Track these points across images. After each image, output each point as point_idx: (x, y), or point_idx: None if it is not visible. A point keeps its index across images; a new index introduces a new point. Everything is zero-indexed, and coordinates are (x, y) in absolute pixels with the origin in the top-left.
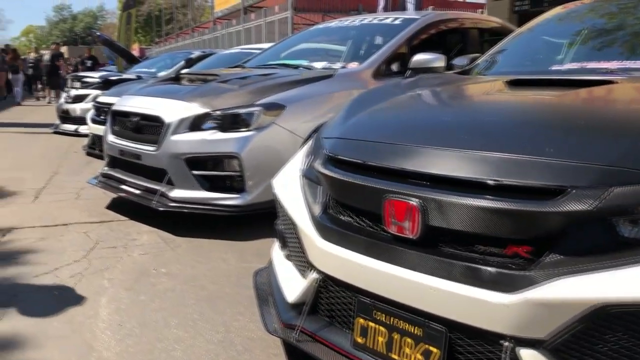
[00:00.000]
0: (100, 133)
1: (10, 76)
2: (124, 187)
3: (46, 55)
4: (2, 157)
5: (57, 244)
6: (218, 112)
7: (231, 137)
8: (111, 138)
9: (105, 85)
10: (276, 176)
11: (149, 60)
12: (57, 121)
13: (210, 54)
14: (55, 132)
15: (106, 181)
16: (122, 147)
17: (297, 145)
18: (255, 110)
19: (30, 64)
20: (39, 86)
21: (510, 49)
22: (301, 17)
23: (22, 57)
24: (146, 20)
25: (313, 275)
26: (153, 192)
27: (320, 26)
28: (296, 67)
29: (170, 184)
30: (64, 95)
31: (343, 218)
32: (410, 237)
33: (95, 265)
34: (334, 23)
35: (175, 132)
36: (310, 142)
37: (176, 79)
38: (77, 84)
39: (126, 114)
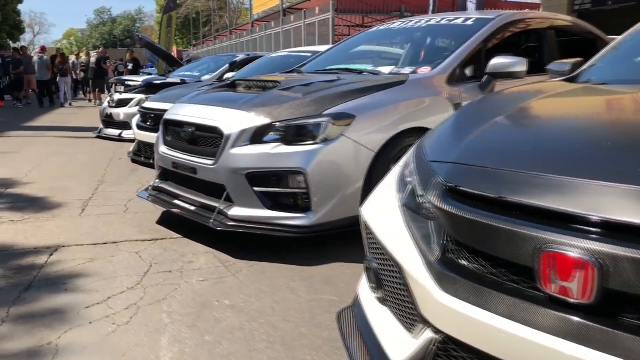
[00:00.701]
0: (146, 140)
1: (57, 79)
2: (177, 202)
3: (93, 57)
4: (47, 164)
5: (108, 267)
6: (282, 123)
7: (296, 150)
8: (163, 149)
9: (149, 89)
10: (365, 204)
11: (192, 64)
12: (100, 125)
13: (255, 57)
14: (98, 137)
15: (158, 195)
16: (175, 160)
17: (369, 160)
18: (322, 121)
19: (83, 67)
20: (88, 89)
21: (619, 54)
22: (341, 18)
23: (72, 59)
24: (183, 23)
25: (428, 334)
26: (210, 209)
27: (381, 27)
28: (360, 72)
29: (229, 201)
30: (107, 99)
31: (470, 266)
32: (579, 302)
33: (152, 294)
34: (396, 24)
35: (235, 145)
36: (404, 164)
37: (232, 85)
38: (121, 88)
39: (180, 124)
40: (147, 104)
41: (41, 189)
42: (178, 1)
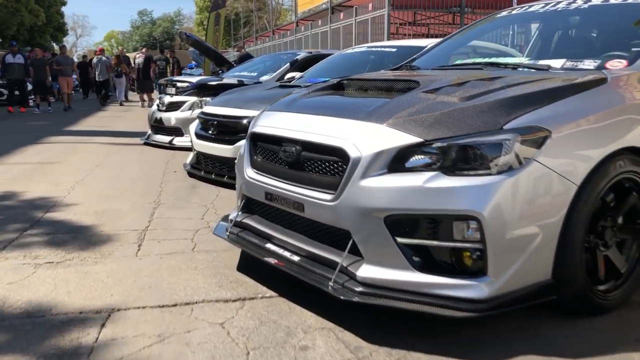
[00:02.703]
0: (207, 151)
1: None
2: (272, 247)
3: (139, 58)
4: (92, 178)
5: (187, 353)
6: (440, 143)
7: (465, 185)
8: (251, 173)
9: (201, 90)
10: None
11: (247, 63)
12: (149, 131)
13: (320, 55)
14: (146, 144)
15: (241, 234)
16: (270, 189)
17: (569, 197)
18: (505, 139)
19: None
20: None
21: None
22: (393, 15)
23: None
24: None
25: None
26: (325, 263)
27: (516, 12)
28: (513, 67)
29: (356, 254)
30: (156, 102)
31: None
32: None
33: None
34: (537, 7)
35: (366, 174)
36: None
37: (338, 87)
38: (172, 90)
39: (277, 140)
40: (208, 109)
41: (86, 212)
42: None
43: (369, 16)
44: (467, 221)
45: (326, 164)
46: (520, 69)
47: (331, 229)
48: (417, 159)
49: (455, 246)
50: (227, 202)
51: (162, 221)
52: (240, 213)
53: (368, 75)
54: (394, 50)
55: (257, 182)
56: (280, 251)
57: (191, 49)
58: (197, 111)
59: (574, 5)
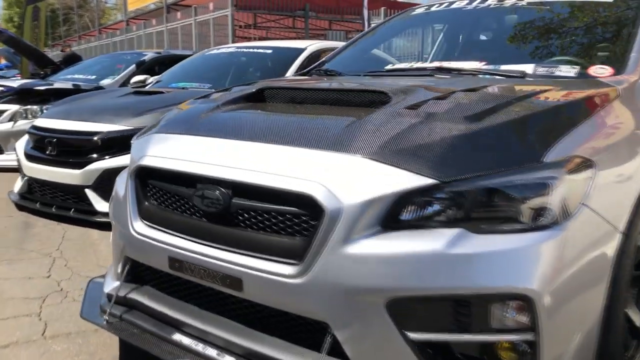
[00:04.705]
0: (42, 176)
1: None
2: (182, 341)
3: None
4: None
5: None
6: (459, 187)
7: (504, 248)
8: (141, 227)
9: (23, 97)
10: None
11: (80, 65)
12: None
13: (170, 57)
14: None
15: (128, 317)
16: (177, 254)
17: (614, 248)
18: (550, 177)
19: None
20: None
21: None
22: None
23: None
24: None
25: None
26: None
27: (435, 9)
28: (473, 73)
29: (338, 356)
30: None
31: None
32: None
33: None
34: (463, 2)
35: (352, 234)
36: None
37: (259, 97)
38: None
39: (187, 179)
40: (43, 122)
41: None
42: None
43: (211, 16)
44: (514, 302)
45: (280, 219)
46: (481, 76)
47: (291, 317)
48: (426, 210)
49: (495, 339)
50: (81, 247)
51: None
52: (124, 283)
53: (295, 82)
54: (270, 52)
55: (152, 242)
56: (199, 347)
57: (3, 47)
58: (20, 122)
59: (500, 4)
